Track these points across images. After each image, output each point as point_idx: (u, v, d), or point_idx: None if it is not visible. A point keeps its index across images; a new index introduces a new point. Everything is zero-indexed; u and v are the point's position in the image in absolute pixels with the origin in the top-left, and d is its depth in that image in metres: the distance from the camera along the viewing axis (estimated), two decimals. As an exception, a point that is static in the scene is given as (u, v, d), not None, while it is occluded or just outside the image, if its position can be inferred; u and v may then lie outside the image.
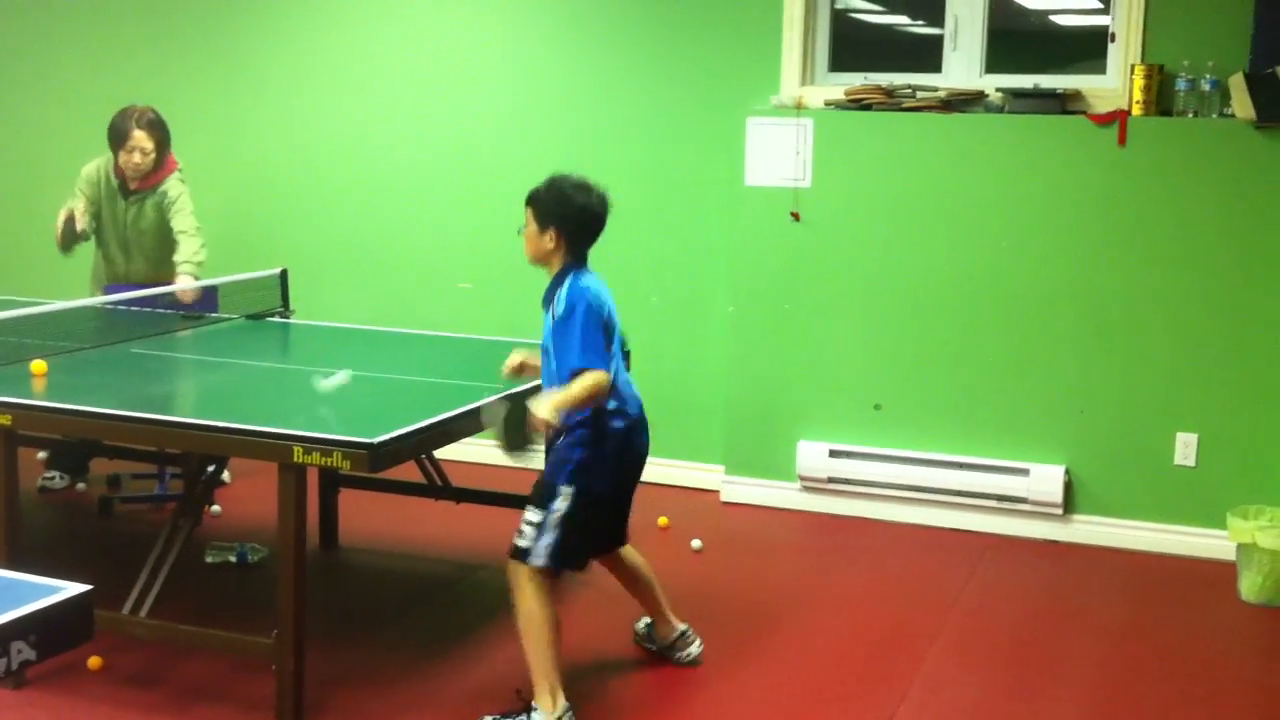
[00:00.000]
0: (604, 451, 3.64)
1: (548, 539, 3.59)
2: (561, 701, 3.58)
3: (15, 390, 3.83)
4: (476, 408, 3.82)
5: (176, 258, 5.37)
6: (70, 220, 5.39)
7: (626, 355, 3.90)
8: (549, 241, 3.63)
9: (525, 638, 3.60)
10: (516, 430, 3.48)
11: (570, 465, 3.62)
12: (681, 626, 4.11)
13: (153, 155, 5.39)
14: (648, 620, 4.18)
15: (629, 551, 4.04)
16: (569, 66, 6.03)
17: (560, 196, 3.64)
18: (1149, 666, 4.20)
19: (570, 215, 3.63)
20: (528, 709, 3.59)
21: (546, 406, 3.46)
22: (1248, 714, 3.88)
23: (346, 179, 6.44)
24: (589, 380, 3.49)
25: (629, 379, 3.80)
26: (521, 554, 3.61)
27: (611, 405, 3.63)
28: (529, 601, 3.58)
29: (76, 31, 6.84)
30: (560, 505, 3.60)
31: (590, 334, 3.52)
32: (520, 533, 3.63)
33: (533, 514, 3.63)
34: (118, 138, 5.37)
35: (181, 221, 5.41)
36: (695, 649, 4.10)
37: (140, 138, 5.34)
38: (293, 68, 6.48)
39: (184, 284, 5.27)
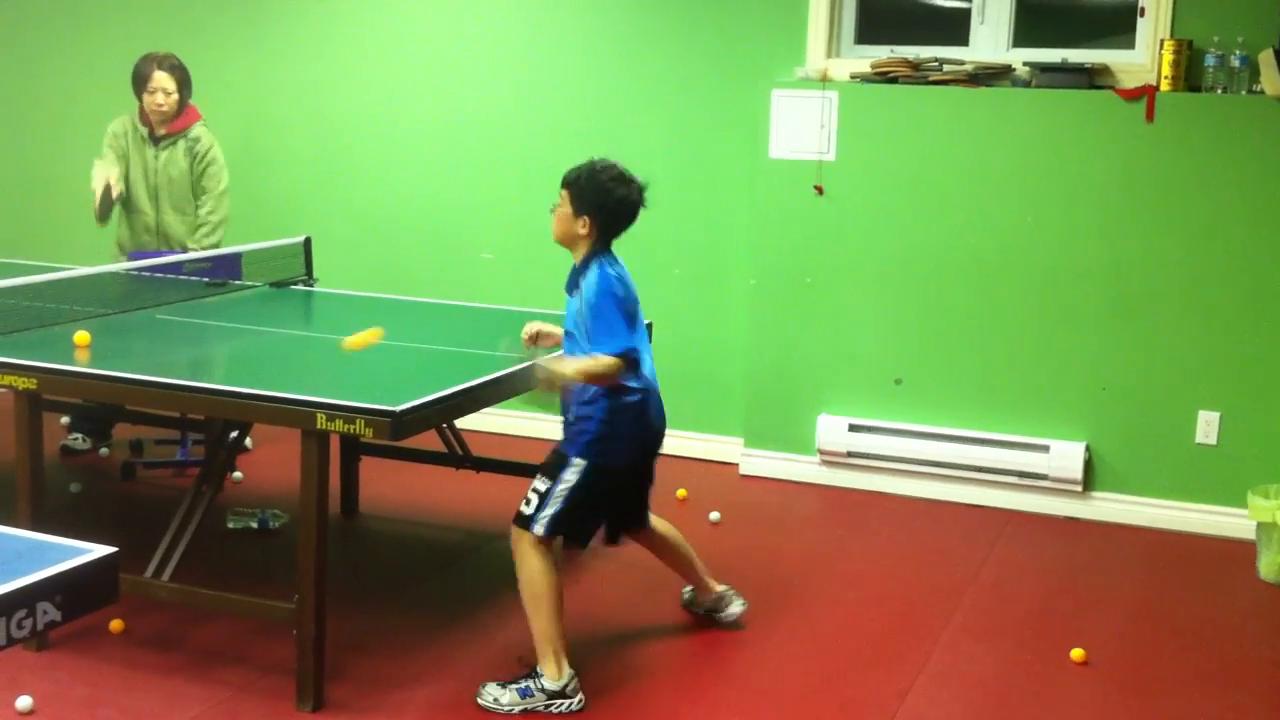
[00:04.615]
0: (619, 426, 3.65)
1: (551, 509, 3.62)
2: (567, 669, 3.60)
3: (40, 355, 3.84)
4: (512, 372, 3.91)
5: (198, 226, 5.54)
6: (108, 190, 5.48)
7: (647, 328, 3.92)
8: (581, 227, 3.65)
9: (527, 605, 3.63)
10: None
11: (584, 438, 3.64)
12: (720, 589, 4.19)
13: (175, 96, 5.51)
14: (690, 587, 4.23)
15: (659, 524, 4.07)
16: (592, 36, 6.01)
17: (601, 186, 3.63)
18: (1167, 644, 4.19)
19: (609, 206, 3.64)
20: (533, 675, 3.61)
21: (567, 366, 3.55)
22: (1265, 692, 3.88)
23: (369, 148, 6.44)
24: (609, 362, 3.53)
25: (650, 359, 3.82)
26: (524, 521, 3.65)
27: (632, 384, 3.65)
28: (530, 570, 3.62)
29: (101, -3, 6.86)
30: (569, 477, 3.63)
31: (619, 321, 3.58)
32: (526, 500, 3.67)
33: (540, 482, 3.66)
34: (139, 80, 5.52)
35: (212, 181, 5.55)
36: (736, 608, 4.19)
37: (161, 78, 5.48)
38: (317, 36, 6.46)
39: (196, 253, 5.38)
